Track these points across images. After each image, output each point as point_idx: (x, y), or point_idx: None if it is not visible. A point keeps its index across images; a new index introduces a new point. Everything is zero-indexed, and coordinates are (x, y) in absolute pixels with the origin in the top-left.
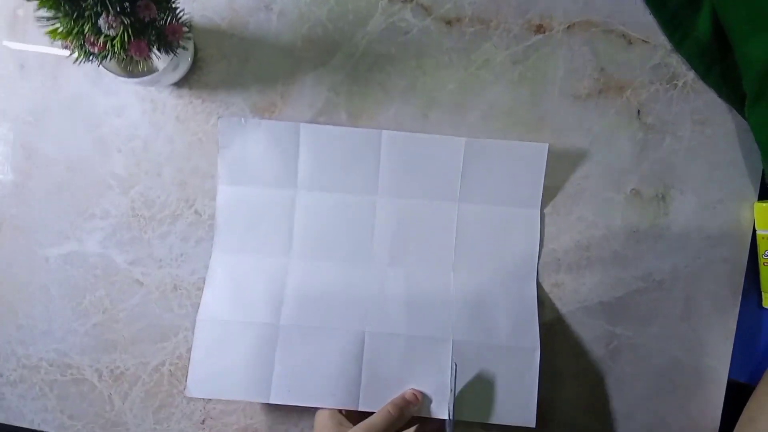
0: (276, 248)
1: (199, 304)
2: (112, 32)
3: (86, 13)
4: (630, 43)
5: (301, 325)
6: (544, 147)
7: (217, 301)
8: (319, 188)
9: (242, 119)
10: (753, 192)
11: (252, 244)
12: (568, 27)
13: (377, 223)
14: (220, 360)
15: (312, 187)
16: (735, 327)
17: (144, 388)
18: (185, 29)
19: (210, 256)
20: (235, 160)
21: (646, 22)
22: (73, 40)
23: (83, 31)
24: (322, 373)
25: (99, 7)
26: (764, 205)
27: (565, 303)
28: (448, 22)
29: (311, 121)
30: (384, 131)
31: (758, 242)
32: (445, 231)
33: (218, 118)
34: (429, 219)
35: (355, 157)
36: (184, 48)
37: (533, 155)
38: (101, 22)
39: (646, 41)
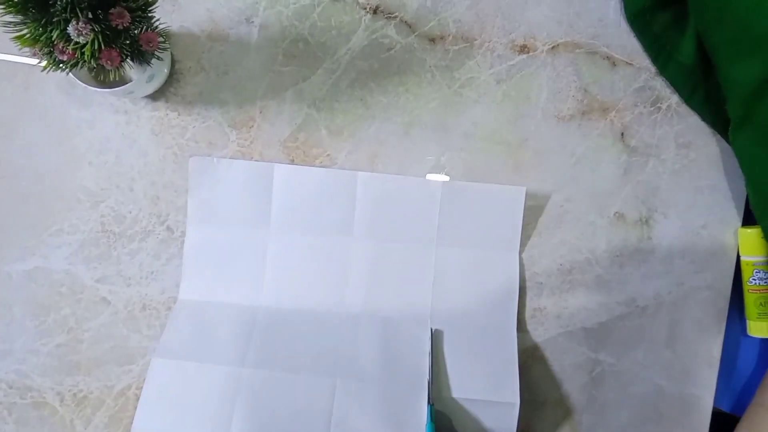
0: (245, 290)
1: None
2: (82, 40)
3: (55, 19)
4: (614, 65)
5: (267, 372)
6: (521, 191)
7: (178, 341)
8: (293, 230)
9: (214, 159)
10: (737, 217)
11: (220, 286)
12: (552, 48)
13: (352, 267)
14: (174, 406)
15: (285, 228)
16: (719, 355)
17: (108, 413)
18: (161, 39)
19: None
20: (205, 200)
21: (631, 45)
22: (42, 47)
23: (51, 38)
24: (286, 429)
25: (68, 13)
26: (749, 230)
27: (547, 328)
28: (432, 40)
29: (290, 137)
30: (360, 173)
31: (742, 268)
32: (422, 275)
33: (189, 157)
34: (405, 263)
35: (329, 199)
36: (159, 58)
37: (511, 199)
38: (71, 28)
39: (630, 63)
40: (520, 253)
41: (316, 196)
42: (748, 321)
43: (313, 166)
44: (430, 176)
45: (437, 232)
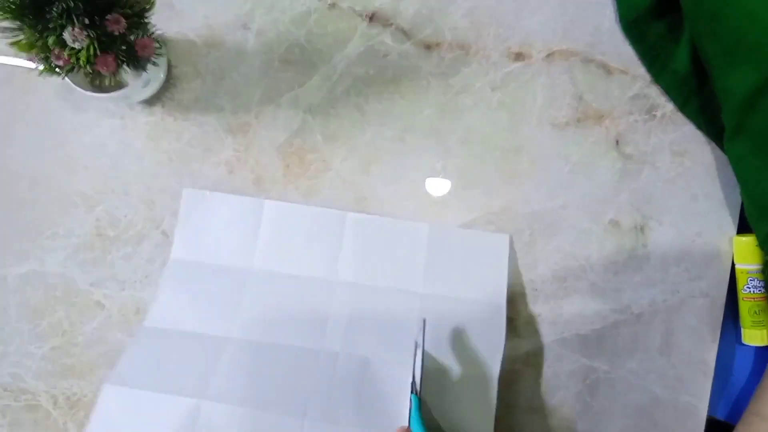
0: (218, 322)
1: None
2: (77, 45)
3: (51, 25)
4: (609, 73)
5: (228, 408)
6: (504, 239)
7: (134, 368)
8: (276, 266)
9: (207, 192)
10: (732, 225)
11: (192, 317)
12: (548, 55)
13: (333, 308)
14: None
15: (268, 264)
16: (714, 363)
17: None
18: (156, 45)
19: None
20: (193, 232)
21: (626, 53)
22: (38, 52)
23: (47, 43)
24: None
25: (64, 20)
26: (743, 239)
27: (542, 335)
28: (428, 47)
29: (286, 143)
30: (349, 213)
31: (737, 277)
32: (405, 321)
33: (183, 189)
34: (389, 308)
35: (316, 238)
36: (155, 64)
37: (494, 246)
38: (66, 34)
39: (625, 72)
40: (517, 266)
41: (303, 234)
42: (742, 329)
43: (303, 204)
44: (429, 180)
45: (422, 278)
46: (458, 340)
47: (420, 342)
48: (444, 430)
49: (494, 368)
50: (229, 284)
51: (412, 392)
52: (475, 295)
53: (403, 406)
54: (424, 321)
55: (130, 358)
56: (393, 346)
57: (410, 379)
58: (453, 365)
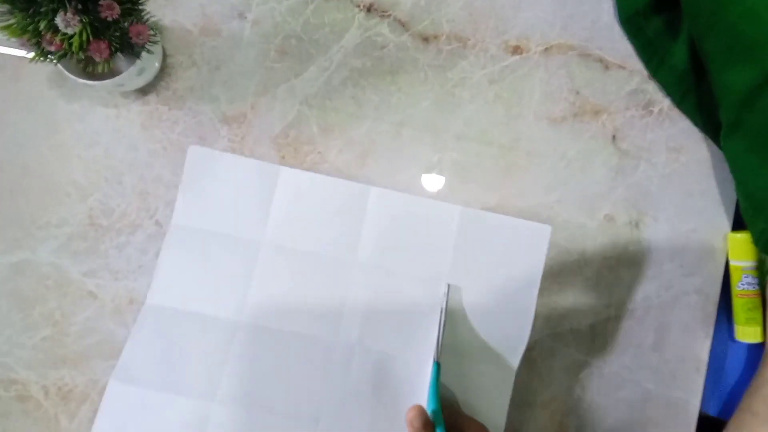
0: (226, 302)
1: None
2: (70, 31)
3: (42, 9)
4: (607, 67)
5: (239, 411)
6: (546, 229)
7: (140, 362)
8: (290, 241)
9: (216, 152)
10: (726, 222)
11: (198, 294)
12: (546, 49)
13: (351, 292)
14: None
15: (282, 238)
16: (707, 359)
17: (93, 408)
18: (151, 32)
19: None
20: (198, 195)
21: (624, 48)
22: (30, 37)
23: (39, 28)
24: None
25: (56, 4)
26: (738, 236)
27: (535, 330)
28: (425, 39)
29: (281, 134)
30: (373, 188)
31: (731, 273)
32: (429, 311)
33: (189, 146)
34: (412, 296)
35: (336, 212)
36: (149, 52)
37: (534, 237)
38: (58, 19)
39: (622, 67)
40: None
41: (322, 208)
42: (736, 326)
43: (319, 173)
44: (425, 173)
45: (450, 266)
46: (481, 329)
47: (444, 307)
48: (458, 405)
49: (515, 360)
50: (238, 258)
51: (435, 360)
52: (505, 285)
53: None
54: (448, 286)
55: (134, 346)
56: (413, 341)
57: (427, 384)
58: (473, 353)
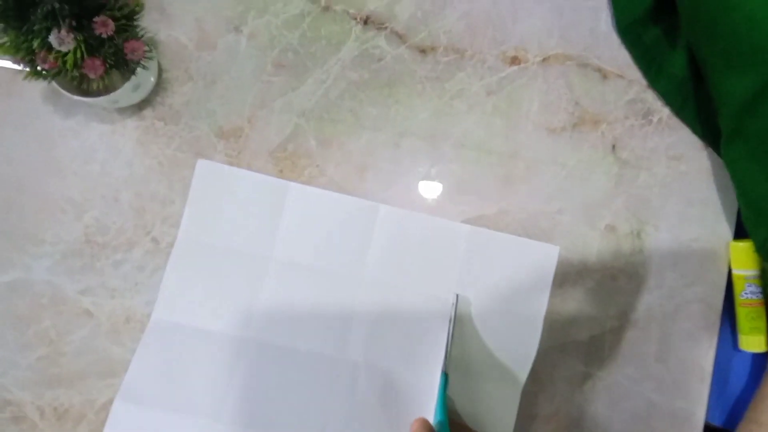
0: (233, 318)
1: None
2: (64, 48)
3: (36, 27)
4: (605, 77)
5: (245, 428)
6: (554, 250)
7: (145, 380)
8: (298, 257)
9: (225, 166)
10: (728, 230)
11: (204, 309)
12: (544, 60)
13: (358, 309)
14: None
15: (290, 254)
16: (711, 369)
17: (89, 428)
18: (146, 48)
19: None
20: (206, 209)
21: (622, 57)
22: (24, 55)
23: (33, 46)
24: None
25: (50, 22)
26: (740, 244)
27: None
28: (423, 51)
29: (279, 148)
30: (382, 205)
31: (734, 282)
32: (435, 330)
33: (198, 160)
34: (419, 314)
35: (344, 229)
36: (144, 67)
37: (541, 256)
38: (52, 37)
39: (621, 76)
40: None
41: (330, 224)
42: (739, 335)
43: (318, 186)
44: (424, 185)
45: (456, 284)
46: (489, 344)
47: (452, 316)
48: (462, 418)
49: (522, 377)
50: (245, 273)
51: (443, 371)
52: (512, 305)
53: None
54: (457, 296)
55: (139, 363)
56: (419, 356)
57: (434, 402)
58: (481, 368)
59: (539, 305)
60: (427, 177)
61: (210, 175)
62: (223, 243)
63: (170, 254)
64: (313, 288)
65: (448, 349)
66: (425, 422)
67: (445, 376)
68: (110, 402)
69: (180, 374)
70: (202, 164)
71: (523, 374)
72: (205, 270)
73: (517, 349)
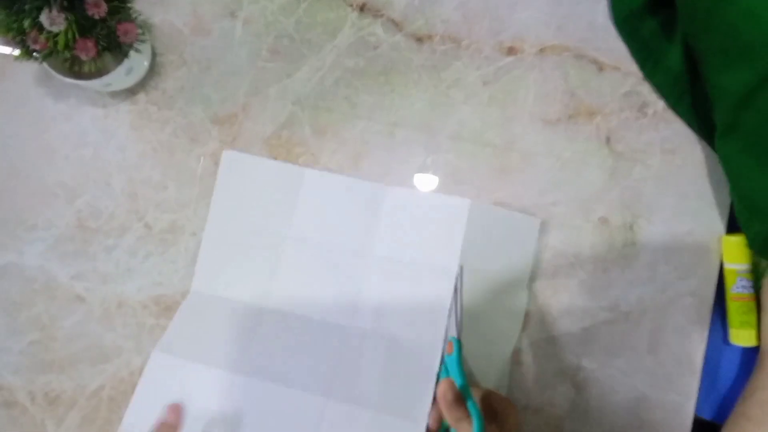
0: (256, 289)
1: (145, 324)
2: (55, 29)
3: (27, 7)
4: (601, 69)
5: (259, 383)
6: (535, 222)
7: (179, 336)
8: (313, 235)
9: (248, 156)
10: (721, 224)
11: (232, 282)
12: (540, 50)
13: (367, 281)
14: (163, 402)
15: (305, 233)
16: (702, 362)
17: (81, 414)
18: (139, 31)
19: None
20: (232, 195)
21: (618, 49)
22: (15, 36)
23: (23, 26)
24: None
25: (41, 1)
26: (733, 238)
27: (530, 333)
28: (419, 39)
29: (274, 135)
30: (389, 187)
31: (726, 276)
32: (439, 298)
33: (224, 151)
34: (422, 284)
35: (354, 210)
36: (138, 51)
37: (525, 228)
38: (43, 17)
39: (617, 68)
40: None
41: (341, 206)
42: (730, 329)
43: (342, 174)
44: (419, 175)
45: (460, 255)
46: (481, 315)
47: (459, 287)
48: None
49: (510, 344)
50: (266, 251)
51: (455, 336)
52: (501, 274)
53: (424, 392)
54: (461, 267)
55: (177, 324)
56: (423, 327)
57: (436, 367)
58: (473, 336)
59: (523, 274)
60: (422, 166)
61: (234, 163)
62: (247, 224)
63: (203, 234)
64: (326, 264)
65: (459, 316)
66: (451, 383)
67: (459, 342)
68: (102, 388)
69: (210, 334)
70: (227, 154)
71: (512, 340)
72: (232, 248)
73: (506, 316)
